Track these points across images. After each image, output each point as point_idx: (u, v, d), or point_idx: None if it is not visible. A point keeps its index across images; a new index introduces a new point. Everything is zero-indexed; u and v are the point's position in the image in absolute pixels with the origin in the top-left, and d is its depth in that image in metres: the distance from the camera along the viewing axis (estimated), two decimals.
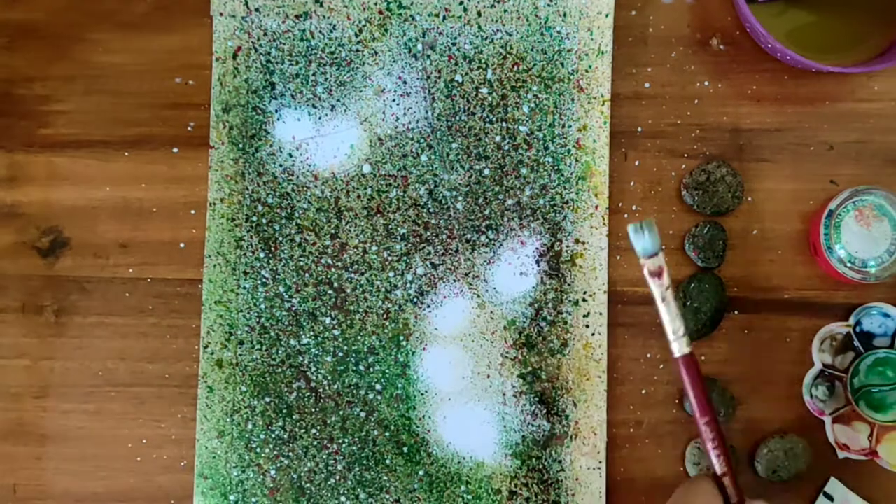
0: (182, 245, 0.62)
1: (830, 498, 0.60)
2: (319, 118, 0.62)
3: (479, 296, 0.61)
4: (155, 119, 0.63)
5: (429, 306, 0.61)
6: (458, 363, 0.61)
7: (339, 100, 0.62)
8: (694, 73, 0.63)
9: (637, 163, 0.62)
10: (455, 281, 0.61)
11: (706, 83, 0.62)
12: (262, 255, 0.62)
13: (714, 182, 0.60)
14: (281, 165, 0.62)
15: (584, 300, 0.61)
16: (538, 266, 0.61)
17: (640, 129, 0.62)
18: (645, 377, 0.61)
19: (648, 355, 0.61)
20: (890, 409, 0.59)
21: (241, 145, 0.62)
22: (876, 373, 0.59)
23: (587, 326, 0.61)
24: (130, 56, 0.63)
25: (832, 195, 0.59)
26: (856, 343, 0.60)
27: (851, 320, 0.60)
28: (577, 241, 0.61)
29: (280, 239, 0.62)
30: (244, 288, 0.62)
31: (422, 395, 0.61)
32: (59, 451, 0.62)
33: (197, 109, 0.62)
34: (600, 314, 0.61)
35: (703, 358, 0.61)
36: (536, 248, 0.61)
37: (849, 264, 0.58)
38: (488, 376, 0.61)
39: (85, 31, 0.63)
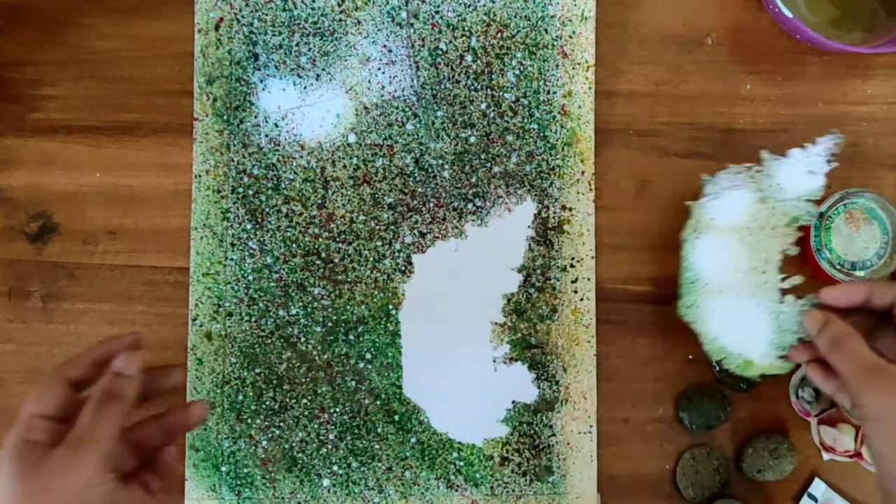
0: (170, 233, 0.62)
1: (815, 499, 0.60)
2: (304, 88, 0.62)
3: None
4: (146, 106, 0.63)
5: (403, 272, 0.61)
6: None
7: (323, 69, 0.62)
8: (688, 72, 0.63)
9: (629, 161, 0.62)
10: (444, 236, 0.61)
11: (700, 83, 0.62)
12: (248, 226, 0.61)
13: None
14: (266, 136, 0.62)
15: (571, 266, 0.61)
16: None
17: (633, 127, 0.62)
18: (632, 375, 0.61)
19: (636, 353, 0.61)
20: None
21: (225, 117, 0.62)
22: None
23: (575, 292, 0.61)
24: (123, 42, 0.63)
25: (823, 197, 0.59)
26: None
27: None
28: (563, 208, 0.61)
29: (267, 210, 0.61)
30: (231, 259, 0.61)
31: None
32: None
33: (189, 97, 0.62)
34: (588, 279, 0.61)
35: (690, 357, 0.61)
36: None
37: (838, 267, 0.58)
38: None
39: (78, 16, 0.63)
